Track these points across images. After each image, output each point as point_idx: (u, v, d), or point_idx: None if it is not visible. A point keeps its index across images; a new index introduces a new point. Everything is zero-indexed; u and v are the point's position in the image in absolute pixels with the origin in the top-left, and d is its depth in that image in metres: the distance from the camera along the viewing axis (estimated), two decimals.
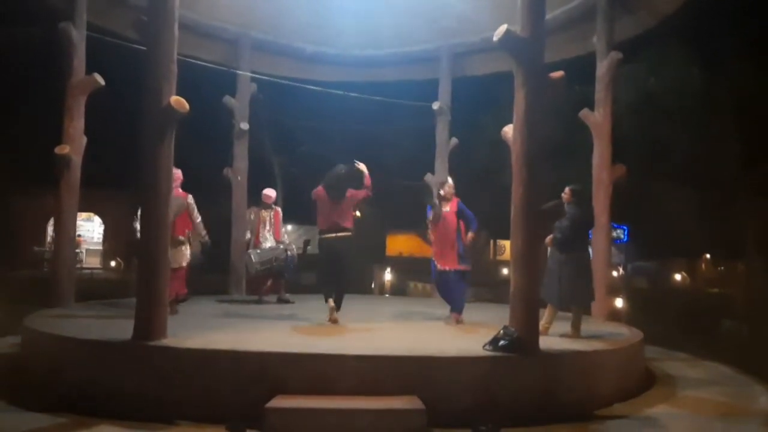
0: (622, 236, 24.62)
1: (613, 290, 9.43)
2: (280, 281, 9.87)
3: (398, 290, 18.96)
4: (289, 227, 26.20)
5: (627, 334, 7.38)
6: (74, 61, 8.70)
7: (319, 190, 7.56)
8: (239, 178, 11.41)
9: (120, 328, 5.91)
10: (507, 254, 8.02)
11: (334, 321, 7.30)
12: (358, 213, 8.11)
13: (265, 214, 9.84)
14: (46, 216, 26.70)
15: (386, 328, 7.40)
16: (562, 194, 7.27)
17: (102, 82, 8.77)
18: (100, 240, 31.64)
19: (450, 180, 8.35)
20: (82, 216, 24.79)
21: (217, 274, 11.35)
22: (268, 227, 9.80)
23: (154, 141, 5.78)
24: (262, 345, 5.75)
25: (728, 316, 13.71)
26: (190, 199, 8.11)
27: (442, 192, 8.14)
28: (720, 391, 6.63)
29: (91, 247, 30.74)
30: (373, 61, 12.34)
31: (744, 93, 18.52)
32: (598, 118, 8.98)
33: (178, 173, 8.07)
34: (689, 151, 18.93)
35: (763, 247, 18.90)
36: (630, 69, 17.06)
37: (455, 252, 7.90)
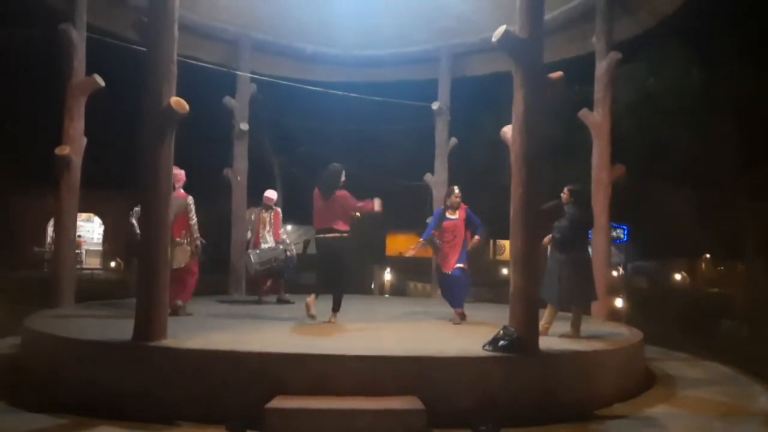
0: (622, 236, 24.61)
1: (613, 290, 9.43)
2: (280, 281, 9.88)
3: (398, 290, 18.97)
4: (289, 227, 26.20)
5: (627, 334, 7.38)
6: (74, 62, 8.70)
7: (316, 189, 7.59)
8: (239, 178, 11.42)
9: (120, 328, 5.91)
10: (507, 254, 8.04)
11: (311, 316, 7.24)
12: (358, 213, 8.07)
13: (265, 215, 9.85)
14: (46, 216, 26.74)
15: (386, 329, 7.40)
16: (561, 194, 7.29)
17: (102, 83, 8.77)
18: (100, 240, 31.66)
19: (456, 189, 8.37)
20: (82, 217, 24.84)
21: (217, 275, 11.36)
22: (268, 228, 9.80)
23: (154, 142, 5.79)
24: (262, 345, 5.76)
25: (728, 316, 13.72)
26: (190, 200, 8.11)
27: (448, 201, 8.32)
28: (720, 391, 6.63)
29: (91, 248, 30.77)
30: (373, 61, 12.34)
31: (743, 93, 18.53)
32: (597, 118, 8.98)
33: (181, 174, 8.10)
34: (689, 151, 18.94)
35: (762, 247, 18.91)
36: (629, 69, 17.07)
37: (459, 256, 8.09)
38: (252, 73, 11.60)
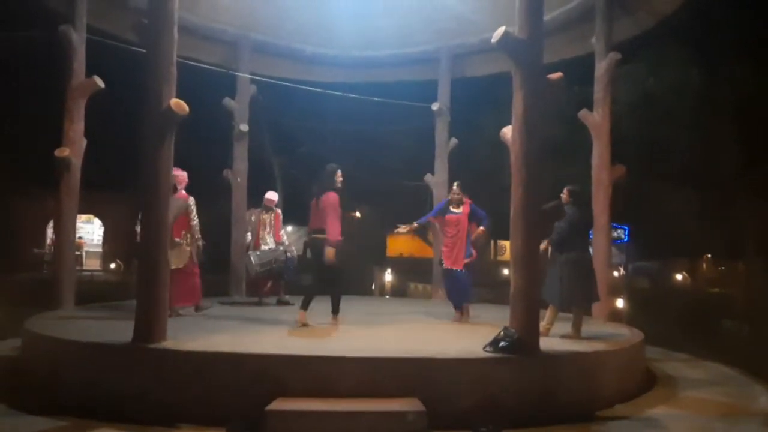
0: (622, 236, 24.60)
1: (614, 290, 9.42)
2: (280, 283, 9.87)
3: (398, 291, 18.97)
4: (289, 228, 26.20)
5: (628, 334, 7.38)
6: (74, 64, 8.70)
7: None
8: (239, 179, 11.43)
9: (120, 330, 5.90)
10: (507, 255, 8.06)
11: (302, 323, 7.19)
12: (358, 214, 8.07)
13: (266, 217, 9.84)
14: (46, 218, 26.73)
15: (386, 330, 7.40)
16: (561, 195, 7.29)
17: (102, 84, 8.78)
18: (100, 242, 31.65)
19: (455, 185, 8.42)
20: (81, 218, 24.84)
21: (218, 276, 11.35)
22: (268, 229, 9.80)
23: (153, 143, 5.78)
24: (262, 347, 5.75)
25: (729, 316, 13.71)
26: (192, 201, 8.13)
27: (450, 197, 8.39)
28: (721, 392, 6.62)
29: (91, 249, 30.75)
30: (373, 62, 12.34)
31: (743, 93, 18.54)
32: (597, 119, 8.98)
33: (183, 175, 8.13)
34: (689, 151, 18.94)
35: (763, 247, 18.91)
36: (629, 70, 17.07)
37: (464, 252, 8.16)
38: (252, 74, 11.61)
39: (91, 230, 31.49)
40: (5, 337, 8.20)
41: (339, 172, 7.45)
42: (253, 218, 10.11)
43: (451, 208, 8.31)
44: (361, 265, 18.66)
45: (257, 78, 11.72)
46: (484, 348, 5.70)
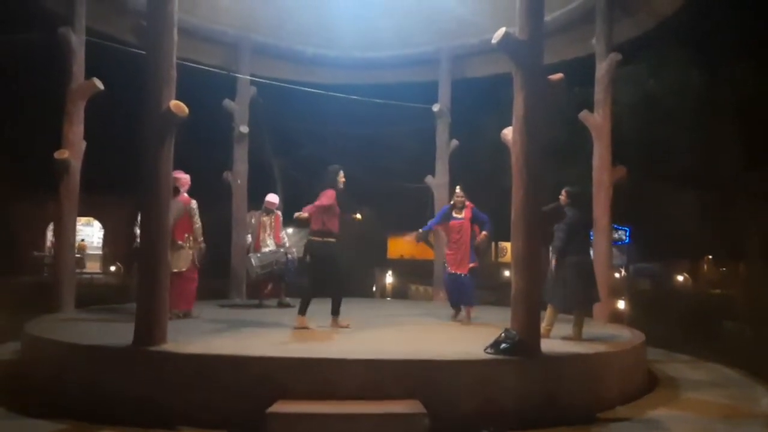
0: (624, 238, 24.58)
1: (615, 292, 9.40)
2: (281, 285, 9.86)
3: (399, 293, 18.95)
4: (290, 230, 26.17)
5: (629, 336, 7.36)
6: (73, 66, 8.69)
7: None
8: (239, 181, 11.41)
9: (120, 333, 5.89)
10: (508, 256, 8.07)
11: (301, 327, 7.17)
12: (359, 216, 8.05)
13: (266, 219, 9.83)
14: (46, 221, 26.73)
15: (387, 332, 7.38)
16: (559, 197, 7.29)
17: (101, 86, 8.77)
18: (100, 244, 31.66)
19: (458, 188, 8.52)
20: (81, 221, 24.83)
21: (218, 279, 11.34)
22: (268, 231, 9.79)
23: (153, 145, 5.77)
24: (263, 350, 5.73)
25: (730, 318, 13.68)
26: (194, 204, 8.16)
27: (453, 201, 8.50)
28: (723, 393, 6.61)
29: (91, 252, 30.76)
30: (373, 63, 12.33)
31: (744, 94, 18.54)
32: (597, 120, 8.97)
33: (186, 178, 8.16)
34: (690, 152, 18.94)
35: (764, 248, 18.89)
36: (629, 71, 17.07)
37: (468, 257, 8.26)
38: (252, 75, 11.60)
39: (91, 233, 31.52)
40: (5, 341, 8.19)
41: (341, 173, 7.42)
42: (253, 220, 10.10)
43: (454, 214, 8.42)
44: (362, 266, 18.64)
45: (257, 79, 11.71)
46: (485, 350, 5.69)
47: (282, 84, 12.19)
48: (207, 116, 12.29)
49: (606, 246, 8.95)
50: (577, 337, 6.86)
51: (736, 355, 8.66)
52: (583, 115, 9.10)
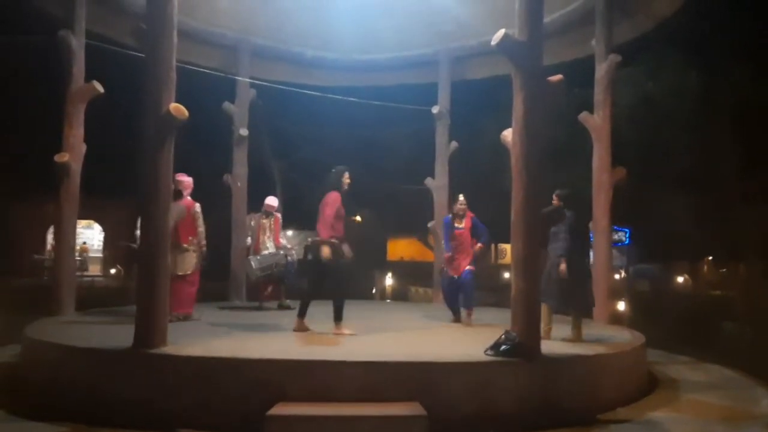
0: (623, 239, 24.62)
1: (615, 293, 9.40)
2: (281, 287, 9.86)
3: (399, 295, 18.96)
4: (290, 233, 26.17)
5: (629, 337, 7.35)
6: (73, 69, 8.68)
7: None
8: (239, 184, 11.42)
9: (120, 336, 5.89)
10: (508, 258, 8.10)
11: (300, 330, 7.13)
12: (358, 218, 8.04)
13: (265, 221, 9.84)
14: (46, 224, 26.72)
15: (387, 334, 7.36)
16: (552, 201, 7.31)
17: (101, 89, 8.76)
18: (100, 247, 31.67)
19: (461, 197, 8.55)
20: (81, 223, 24.83)
21: (218, 281, 11.34)
22: (268, 234, 9.79)
23: (153, 148, 5.77)
24: (263, 352, 5.73)
25: (730, 319, 13.69)
26: (197, 207, 8.20)
27: (454, 209, 8.54)
28: (723, 395, 6.60)
29: (92, 255, 30.78)
30: (373, 65, 12.34)
31: (743, 96, 18.56)
32: (597, 121, 8.97)
33: (189, 181, 8.19)
34: (690, 154, 18.96)
35: (763, 249, 18.91)
36: (629, 72, 17.09)
37: (468, 262, 8.34)
38: (251, 78, 11.60)
39: (91, 235, 31.53)
40: (5, 343, 8.18)
41: (346, 174, 7.29)
42: (252, 223, 10.10)
43: (456, 224, 8.46)
44: (362, 269, 18.63)
45: (257, 82, 11.72)
46: (485, 352, 5.68)
47: (281, 86, 12.20)
48: (207, 119, 12.33)
49: (606, 247, 8.95)
50: (577, 338, 6.86)
51: (736, 356, 8.65)
52: (583, 116, 9.10)
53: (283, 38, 11.77)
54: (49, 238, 26.67)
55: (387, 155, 25.07)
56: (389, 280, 19.14)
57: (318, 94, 12.40)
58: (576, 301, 7.08)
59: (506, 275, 22.27)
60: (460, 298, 8.44)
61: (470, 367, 5.48)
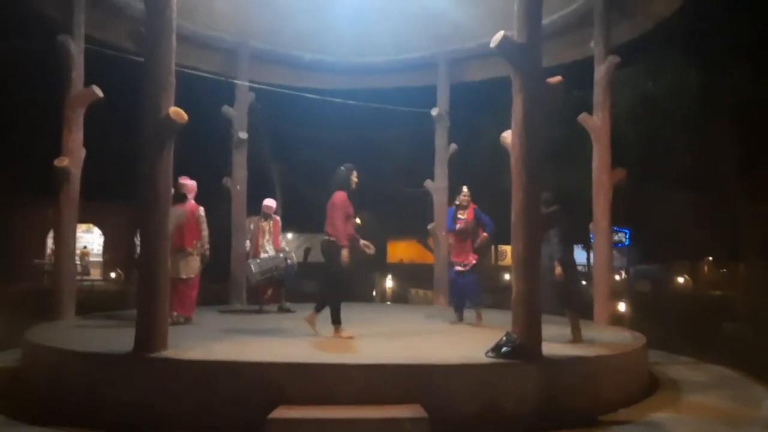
0: (624, 240, 24.61)
1: (616, 294, 9.39)
2: (281, 290, 9.85)
3: (399, 297, 18.94)
4: (289, 236, 26.20)
5: (630, 338, 7.36)
6: (72, 74, 8.69)
7: None
8: (238, 187, 11.43)
9: (121, 340, 5.88)
10: (508, 259, 8.13)
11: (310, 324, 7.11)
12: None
13: (265, 224, 9.83)
14: (45, 228, 26.72)
15: (388, 336, 7.36)
16: None
17: (100, 94, 8.76)
18: (100, 251, 31.67)
19: (465, 188, 8.63)
20: (81, 227, 24.84)
21: (218, 284, 11.33)
22: (267, 237, 9.78)
23: (153, 152, 5.77)
24: (264, 355, 5.73)
25: (731, 319, 13.69)
26: (201, 211, 8.28)
27: (457, 201, 8.61)
28: (724, 395, 6.60)
29: (91, 259, 30.77)
30: (371, 68, 12.35)
31: (742, 95, 18.57)
32: (597, 122, 8.97)
33: (192, 185, 8.25)
34: (689, 154, 18.96)
35: (764, 249, 18.90)
36: (628, 73, 17.09)
37: (470, 254, 8.44)
38: (250, 81, 11.62)
39: (91, 239, 31.53)
40: (6, 348, 8.17)
41: (355, 173, 7.22)
42: (251, 226, 10.10)
43: (459, 214, 8.53)
44: (362, 271, 18.63)
45: (256, 85, 11.73)
46: (486, 353, 5.68)
47: (280, 90, 12.21)
48: (206, 122, 12.32)
49: (606, 248, 8.95)
50: (578, 339, 6.86)
51: (736, 356, 8.65)
52: (582, 117, 9.11)
53: (282, 41, 11.78)
54: (49, 242, 26.66)
55: (386, 157, 25.08)
56: (389, 283, 19.12)
57: (316, 97, 12.42)
58: (570, 301, 7.08)
59: (506, 276, 22.28)
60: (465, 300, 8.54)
61: (471, 369, 5.48)
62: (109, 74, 10.45)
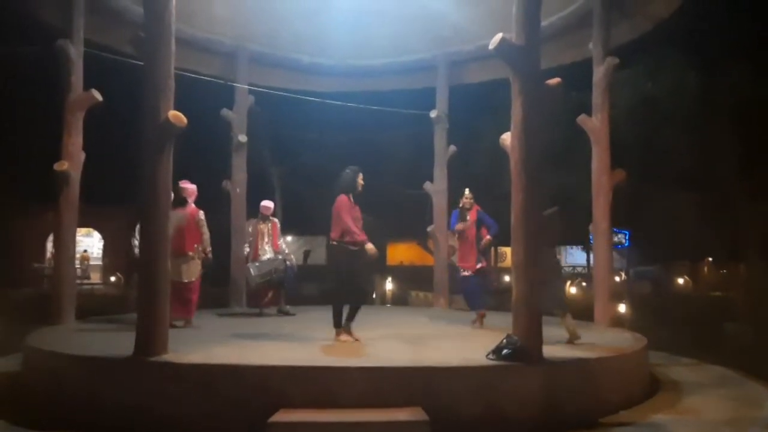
0: (623, 241, 24.60)
1: (616, 296, 9.39)
2: (281, 292, 9.84)
3: (399, 300, 18.91)
4: (289, 238, 26.16)
5: (631, 340, 7.34)
6: (72, 78, 8.69)
7: None
8: (238, 190, 11.44)
9: (121, 344, 5.88)
10: (508, 261, 8.15)
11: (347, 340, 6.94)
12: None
13: (263, 227, 9.83)
14: (45, 232, 26.70)
15: (388, 339, 7.35)
16: None
17: (100, 98, 8.77)
18: (100, 255, 31.66)
19: (467, 191, 8.70)
20: (81, 231, 24.81)
21: (217, 287, 11.33)
22: (266, 239, 9.78)
23: (152, 155, 5.77)
24: (264, 358, 5.73)
25: (731, 320, 13.67)
26: (201, 214, 8.29)
27: (461, 204, 8.68)
28: (725, 396, 6.59)
29: (92, 262, 30.77)
30: (370, 70, 12.36)
31: (741, 96, 18.58)
32: (596, 124, 8.97)
33: (193, 188, 8.27)
34: (689, 155, 18.97)
35: (764, 249, 18.89)
36: (627, 74, 17.10)
37: (475, 257, 8.47)
38: (249, 85, 11.62)
39: (90, 243, 31.53)
40: (6, 353, 8.16)
41: (360, 175, 7.12)
42: (250, 229, 10.10)
43: (462, 217, 8.61)
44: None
45: (255, 89, 11.74)
46: (486, 356, 5.67)
47: (279, 93, 12.22)
48: (205, 126, 12.32)
49: (606, 250, 8.94)
50: (575, 336, 6.84)
51: (737, 357, 8.64)
52: (582, 119, 9.10)
53: (281, 45, 11.79)
54: (49, 246, 26.65)
55: (386, 160, 25.09)
56: (389, 285, 19.08)
57: (316, 99, 12.42)
58: (552, 300, 7.07)
59: (506, 278, 22.26)
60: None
61: (472, 372, 5.47)
62: (109, 78, 10.47)
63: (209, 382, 5.27)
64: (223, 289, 11.33)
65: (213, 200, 11.79)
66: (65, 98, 8.68)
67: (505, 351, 5.61)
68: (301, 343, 6.88)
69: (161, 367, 5.45)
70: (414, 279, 21.20)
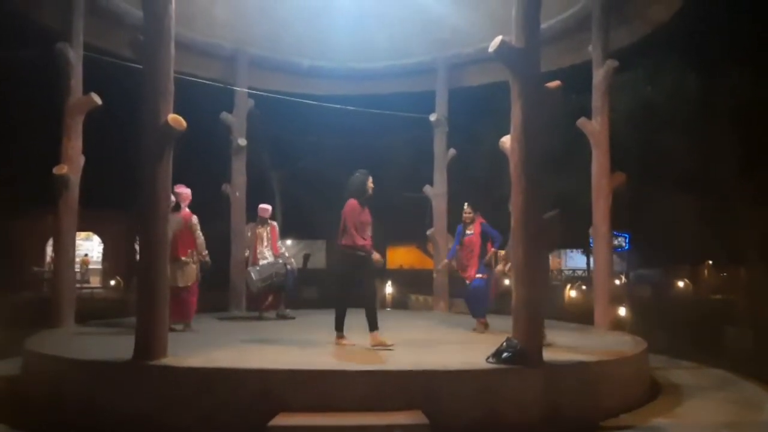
0: (623, 244, 24.56)
1: (616, 299, 9.38)
2: (281, 296, 9.83)
3: (399, 303, 18.91)
4: (289, 242, 26.14)
5: (631, 343, 7.34)
6: (71, 81, 8.70)
7: None
8: (237, 193, 11.43)
9: (120, 347, 5.87)
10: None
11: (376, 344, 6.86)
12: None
13: (261, 230, 9.83)
14: (45, 236, 26.70)
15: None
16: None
17: (99, 101, 8.77)
18: (100, 259, 31.67)
19: (466, 205, 8.68)
20: (81, 235, 24.81)
21: (217, 291, 11.31)
22: (265, 243, 9.77)
23: (152, 159, 5.77)
24: (264, 362, 5.72)
25: (732, 323, 13.65)
26: (194, 219, 8.24)
27: (462, 219, 8.71)
28: (726, 399, 6.58)
29: (91, 267, 30.78)
30: (370, 74, 12.36)
31: (741, 98, 18.58)
32: (595, 127, 8.97)
33: (187, 193, 8.23)
34: (689, 158, 18.97)
35: (764, 252, 18.87)
36: (626, 77, 17.11)
37: (476, 264, 8.48)
38: (249, 88, 11.62)
39: (90, 247, 31.54)
40: (6, 356, 8.15)
41: (370, 179, 7.05)
42: (249, 233, 10.10)
43: (466, 231, 8.62)
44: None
45: (255, 92, 11.74)
46: (487, 359, 5.67)
47: (279, 96, 12.22)
48: (205, 129, 12.32)
49: (606, 253, 8.94)
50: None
51: (738, 360, 8.63)
52: (581, 122, 9.10)
53: (281, 48, 11.80)
54: (49, 250, 26.66)
55: (385, 163, 25.05)
56: (389, 289, 19.07)
57: (315, 103, 12.43)
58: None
59: (506, 282, 22.22)
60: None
61: (472, 375, 5.47)
62: (108, 82, 10.47)
63: (209, 385, 5.26)
64: (222, 293, 11.31)
65: (212, 204, 11.81)
66: (65, 102, 8.68)
67: (505, 354, 5.60)
68: (301, 346, 6.87)
69: (161, 371, 5.44)
70: (414, 282, 21.19)
